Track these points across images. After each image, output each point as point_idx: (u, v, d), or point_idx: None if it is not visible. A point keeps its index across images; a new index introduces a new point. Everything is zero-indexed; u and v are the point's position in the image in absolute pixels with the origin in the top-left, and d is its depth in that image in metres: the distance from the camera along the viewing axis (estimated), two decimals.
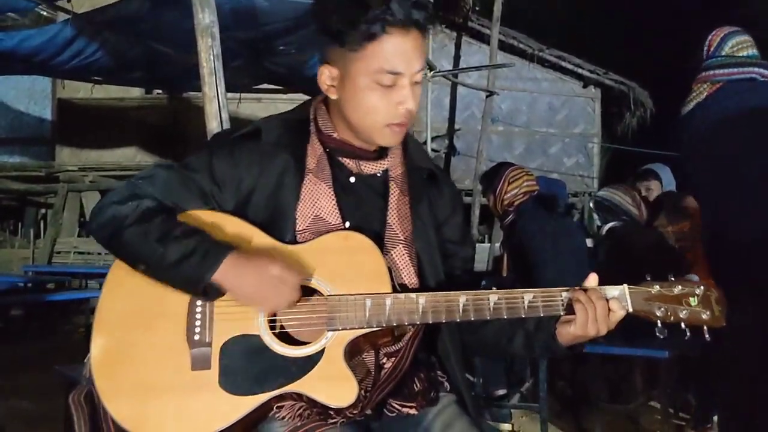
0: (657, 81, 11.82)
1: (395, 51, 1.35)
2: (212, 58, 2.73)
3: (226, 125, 2.76)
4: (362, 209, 1.47)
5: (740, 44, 2.85)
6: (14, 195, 10.74)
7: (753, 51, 2.83)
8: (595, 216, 4.33)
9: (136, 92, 10.08)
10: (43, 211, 11.03)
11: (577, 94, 11.80)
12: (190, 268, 1.28)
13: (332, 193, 1.43)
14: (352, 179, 1.48)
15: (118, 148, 10.28)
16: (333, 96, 1.43)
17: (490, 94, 8.09)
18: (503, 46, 9.86)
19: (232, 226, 1.40)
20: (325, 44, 1.40)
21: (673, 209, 4.07)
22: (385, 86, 1.37)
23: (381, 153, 1.50)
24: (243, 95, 9.53)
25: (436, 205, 1.56)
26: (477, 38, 10.89)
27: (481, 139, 7.89)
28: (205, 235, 1.33)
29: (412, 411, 1.43)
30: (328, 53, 1.41)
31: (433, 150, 9.89)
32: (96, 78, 7.70)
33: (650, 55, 13.30)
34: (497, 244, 8.03)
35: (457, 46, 10.85)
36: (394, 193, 1.49)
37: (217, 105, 2.73)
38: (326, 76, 1.42)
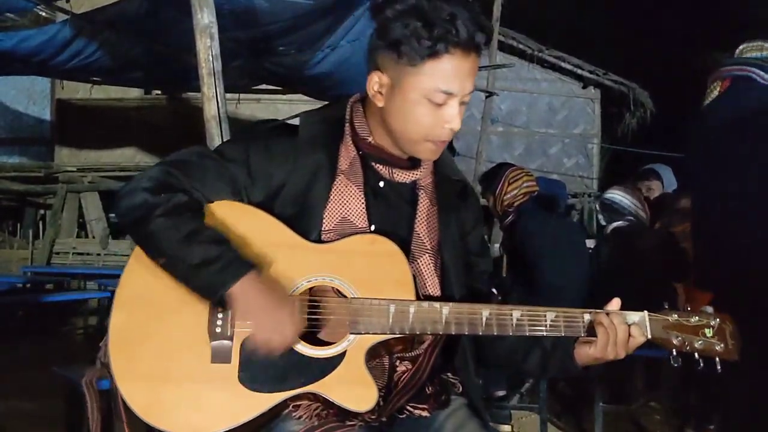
0: (657, 81, 11.85)
1: (454, 71, 1.33)
2: (211, 58, 2.72)
3: (225, 126, 2.76)
4: (389, 215, 1.46)
5: (753, 47, 2.88)
6: (13, 195, 10.74)
7: (761, 53, 2.85)
8: (600, 216, 4.32)
9: (135, 93, 10.08)
10: (42, 211, 11.03)
11: (577, 94, 11.81)
12: (209, 275, 1.27)
13: (362, 195, 1.43)
14: (382, 184, 1.47)
15: (118, 149, 10.28)
16: (379, 103, 1.41)
17: (490, 94, 8.08)
18: (503, 47, 9.86)
19: (259, 220, 1.39)
20: (379, 50, 1.37)
21: (675, 210, 4.07)
22: (436, 104, 1.35)
23: (414, 162, 1.49)
24: (242, 95, 9.53)
25: (463, 216, 1.56)
26: None
27: (481, 140, 7.88)
28: (230, 246, 1.31)
29: (424, 413, 1.43)
30: (380, 60, 1.37)
31: None
32: (95, 78, 7.70)
33: (650, 55, 13.32)
34: (496, 245, 8.03)
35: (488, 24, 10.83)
36: (423, 202, 1.49)
37: (216, 106, 2.73)
38: (375, 82, 1.39)
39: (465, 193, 1.58)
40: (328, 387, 1.29)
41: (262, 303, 1.28)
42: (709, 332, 1.40)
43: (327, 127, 1.48)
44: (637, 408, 3.87)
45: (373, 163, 1.47)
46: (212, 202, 1.39)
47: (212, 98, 2.72)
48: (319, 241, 1.40)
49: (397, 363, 1.42)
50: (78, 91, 10.05)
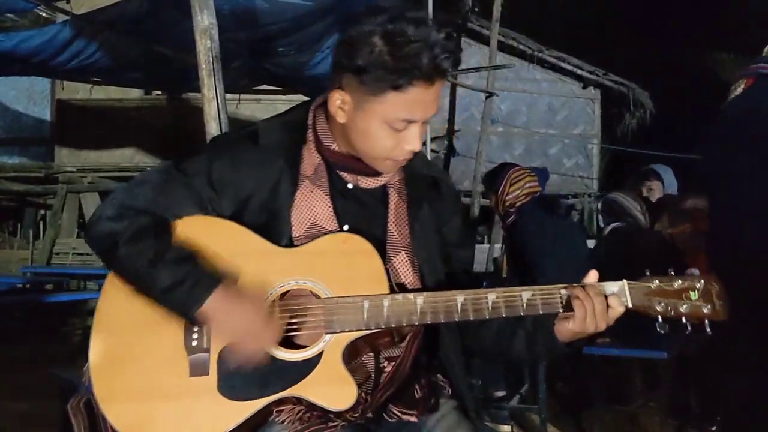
0: (657, 82, 11.85)
1: (416, 101, 1.34)
2: (211, 59, 2.72)
3: (225, 127, 2.76)
4: (362, 215, 1.46)
5: None
6: (13, 196, 10.75)
7: None
8: (599, 217, 4.36)
9: (135, 93, 10.09)
10: (42, 212, 11.04)
11: (577, 95, 11.81)
12: (179, 296, 1.29)
13: (328, 199, 1.43)
14: (350, 186, 1.48)
15: (117, 149, 10.29)
16: (341, 120, 1.41)
17: (490, 95, 8.09)
18: (503, 47, 9.86)
19: (226, 230, 1.39)
20: (343, 70, 1.36)
21: (675, 211, 4.10)
22: (397, 130, 1.36)
23: None
24: (242, 96, 9.54)
25: (437, 208, 1.55)
26: (476, 39, 10.89)
27: (481, 140, 7.89)
28: (197, 263, 1.32)
29: (413, 418, 1.43)
30: (344, 79, 1.37)
31: (432, 151, 9.89)
32: (95, 79, 7.72)
33: (650, 55, 13.32)
34: (497, 245, 8.04)
35: (456, 47, 10.84)
36: (394, 199, 1.49)
37: (216, 106, 2.73)
38: (338, 99, 1.39)
39: (437, 185, 1.57)
40: (307, 388, 1.30)
41: (236, 315, 1.29)
42: (694, 295, 1.38)
43: (287, 132, 1.48)
44: (636, 408, 3.87)
45: (338, 171, 1.47)
46: (179, 218, 1.39)
47: (212, 99, 2.72)
48: (290, 246, 1.40)
49: (385, 363, 1.42)
50: (78, 91, 10.06)
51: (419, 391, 1.45)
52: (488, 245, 8.56)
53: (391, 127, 1.36)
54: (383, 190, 1.49)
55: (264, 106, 9.67)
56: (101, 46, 5.94)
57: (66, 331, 6.88)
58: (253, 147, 1.45)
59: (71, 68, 6.36)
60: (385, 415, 1.41)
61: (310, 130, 1.48)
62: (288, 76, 6.92)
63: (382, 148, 1.39)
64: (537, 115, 11.57)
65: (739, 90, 2.86)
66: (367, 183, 1.47)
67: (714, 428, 3.52)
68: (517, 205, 3.72)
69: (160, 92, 10.22)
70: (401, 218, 1.48)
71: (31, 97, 10.51)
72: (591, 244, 4.43)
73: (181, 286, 1.28)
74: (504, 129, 11.28)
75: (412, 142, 1.38)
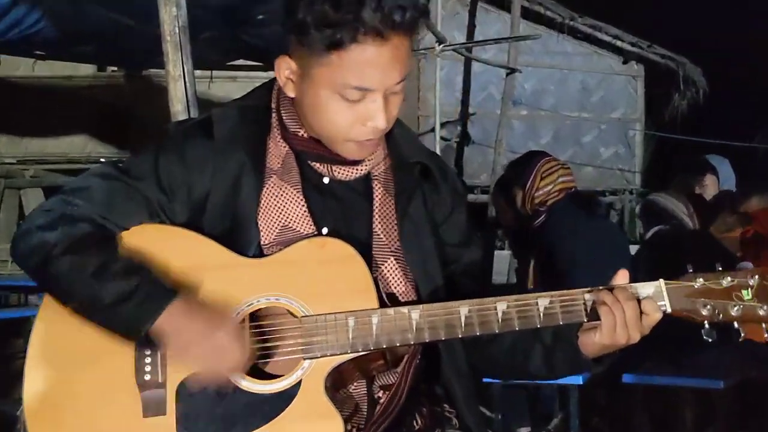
0: (712, 56, 11.83)
1: (366, 64, 1.32)
2: (177, 30, 2.71)
3: (194, 109, 2.76)
4: (341, 214, 1.47)
5: None
6: None
7: None
8: (639, 222, 4.40)
9: (86, 69, 10.07)
10: None
11: (616, 71, 11.83)
12: (127, 312, 1.28)
13: (301, 197, 1.43)
14: (326, 180, 1.48)
15: (66, 137, 10.29)
16: (291, 93, 1.43)
17: (512, 71, 8.11)
18: (527, 14, 9.87)
19: (183, 240, 1.40)
20: (286, 31, 1.37)
21: (733, 211, 4.11)
22: (351, 101, 1.35)
23: None
24: (215, 73, 9.55)
25: (432, 203, 1.55)
26: (495, 4, 10.89)
27: (501, 126, 7.91)
28: (148, 274, 1.32)
29: None
30: (289, 43, 1.38)
31: (442, 138, 9.89)
32: (39, 52, 7.70)
33: (703, 25, 13.31)
34: (505, 252, 8.05)
35: (472, 14, 10.85)
36: (378, 194, 1.49)
37: (184, 85, 2.73)
38: (285, 68, 1.41)
39: (430, 175, 1.56)
40: (284, 426, 1.30)
41: (197, 330, 1.28)
42: (747, 294, 1.36)
43: (247, 121, 1.48)
44: None
45: (310, 162, 1.47)
46: (126, 229, 1.40)
47: (179, 77, 2.71)
48: (259, 255, 1.40)
49: (379, 393, 1.42)
50: (19, 67, 10.04)
51: (419, 422, 1.45)
52: (509, 252, 8.57)
53: (344, 97, 1.35)
54: (366, 183, 1.49)
55: (241, 84, 9.66)
56: (45, 14, 5.93)
57: (7, 355, 6.89)
58: (206, 139, 1.45)
59: (9, 40, 6.35)
60: None
61: (274, 115, 1.49)
62: (267, 50, 6.90)
63: (338, 126, 1.38)
64: (568, 95, 11.60)
65: None
66: (344, 173, 1.47)
67: None
68: (549, 203, 3.72)
69: (116, 69, 10.21)
70: (388, 216, 1.48)
71: None
72: (633, 250, 4.44)
73: (130, 299, 1.28)
74: (528, 112, 11.29)
75: (373, 116, 1.36)
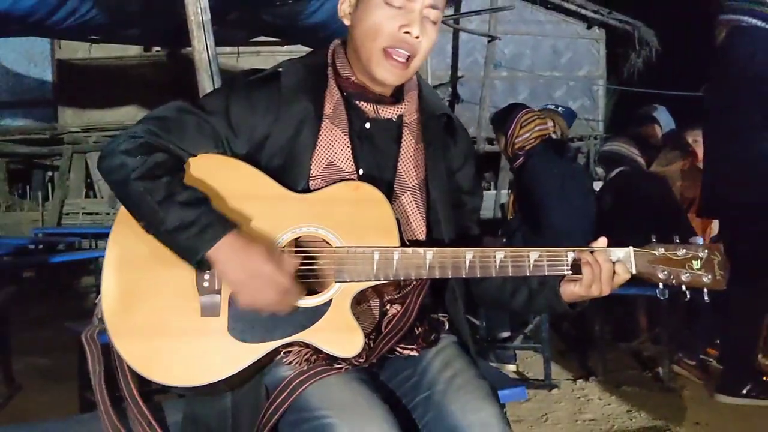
0: (662, 19, 11.61)
1: None
2: (200, 10, 2.68)
3: (218, 79, 2.74)
4: (376, 156, 1.47)
5: None
6: (20, 158, 10.78)
7: None
8: (598, 169, 4.42)
9: (134, 50, 10.00)
10: (49, 173, 11.09)
11: (581, 35, 11.63)
12: (187, 239, 1.27)
13: (347, 139, 1.43)
14: (368, 125, 1.48)
15: (120, 107, 10.24)
16: (347, 21, 1.46)
17: (492, 39, 7.99)
18: None
19: (241, 172, 1.39)
20: None
21: (672, 149, 4.12)
22: (395, 6, 1.39)
23: (397, 97, 1.51)
24: (241, 49, 9.45)
25: (451, 153, 1.57)
26: None
27: (485, 86, 7.84)
28: (208, 207, 1.31)
29: (414, 352, 1.46)
30: None
31: None
32: (93, 37, 7.64)
33: None
34: (503, 191, 8.04)
35: None
36: (408, 140, 1.49)
37: (207, 58, 2.70)
38: (345, 3, 1.46)
39: (452, 128, 1.59)
40: (315, 335, 1.32)
41: (244, 262, 1.27)
42: (696, 264, 1.40)
43: (311, 74, 1.48)
44: (638, 344, 3.94)
45: (357, 102, 1.48)
46: (194, 156, 1.39)
47: (203, 51, 2.69)
48: (306, 190, 1.40)
49: (388, 306, 1.44)
50: (77, 51, 9.99)
51: (419, 328, 1.48)
52: (495, 191, 8.56)
53: (388, 2, 1.39)
54: (399, 129, 1.50)
55: (263, 58, 9.57)
56: (96, 3, 5.87)
57: (80, 289, 7.00)
58: (273, 88, 1.45)
59: (68, 27, 6.29)
60: (386, 353, 1.44)
61: (330, 69, 1.50)
62: (285, 26, 6.82)
63: (382, 31, 1.40)
64: (541, 57, 11.42)
65: (722, 37, 2.98)
66: (387, 112, 1.49)
67: (693, 362, 3.64)
68: (527, 148, 3.72)
69: (159, 48, 10.12)
70: (416, 159, 1.49)
71: (31, 58, 10.43)
72: (597, 186, 4.45)
73: (190, 228, 1.27)
74: (508, 73, 11.14)
75: (409, 23, 1.40)
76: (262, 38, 8.59)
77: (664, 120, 4.75)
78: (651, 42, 11.54)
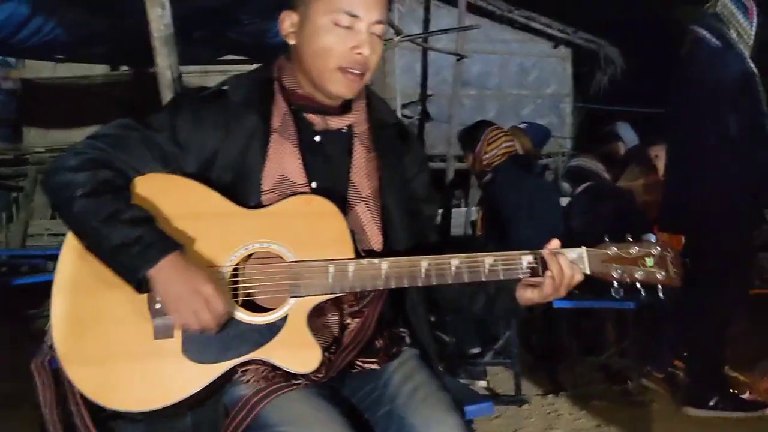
0: (626, 38, 11.84)
1: None
2: (163, 27, 2.67)
3: None
4: (328, 168, 1.46)
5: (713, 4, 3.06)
6: None
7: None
8: (566, 185, 4.49)
9: (101, 69, 9.90)
10: (14, 194, 10.88)
11: (548, 54, 11.80)
12: (129, 257, 1.26)
13: (297, 152, 1.43)
14: (318, 138, 1.48)
15: (85, 127, 10.01)
16: (292, 41, 1.45)
17: (460, 57, 8.05)
18: (471, 8, 9.75)
19: (191, 191, 1.38)
20: None
21: (636, 165, 4.20)
22: (343, 27, 1.39)
23: (345, 108, 1.51)
24: (208, 68, 9.40)
25: (405, 161, 1.57)
26: (446, 1, 10.79)
27: (453, 104, 7.87)
28: (153, 226, 1.30)
29: (374, 366, 1.45)
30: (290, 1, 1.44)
31: (405, 116, 9.87)
32: (58, 56, 7.56)
33: (619, 11, 13.28)
34: (473, 208, 8.08)
35: (426, 10, 10.73)
36: (359, 149, 1.49)
37: (171, 75, 2.69)
38: (287, 22, 1.45)
39: (404, 137, 1.59)
40: (271, 352, 1.31)
41: (183, 282, 1.26)
42: (650, 261, 1.41)
43: (257, 88, 1.48)
44: (607, 358, 3.96)
45: (306, 114, 1.48)
46: (142, 174, 1.37)
47: (167, 68, 2.67)
48: (259, 205, 1.39)
49: (348, 320, 1.43)
50: (42, 69, 9.85)
51: (381, 342, 1.47)
52: (465, 209, 8.60)
53: (337, 24, 1.39)
54: (349, 140, 1.49)
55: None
56: (60, 22, 5.81)
57: (43, 312, 6.84)
58: (221, 104, 1.44)
59: (32, 46, 6.23)
60: (347, 367, 1.43)
61: (275, 83, 1.49)
62: (252, 45, 6.83)
63: (330, 53, 1.40)
64: (509, 76, 11.56)
65: (687, 47, 3.09)
66: (337, 123, 1.49)
67: (662, 373, 3.65)
68: (494, 164, 3.76)
69: (126, 67, 10.03)
70: (368, 168, 1.48)
71: None
72: (564, 202, 4.49)
73: (132, 247, 1.25)
74: (476, 91, 11.24)
75: (360, 44, 1.40)
76: (230, 57, 8.57)
77: (628, 136, 4.84)
78: (616, 60, 11.76)
